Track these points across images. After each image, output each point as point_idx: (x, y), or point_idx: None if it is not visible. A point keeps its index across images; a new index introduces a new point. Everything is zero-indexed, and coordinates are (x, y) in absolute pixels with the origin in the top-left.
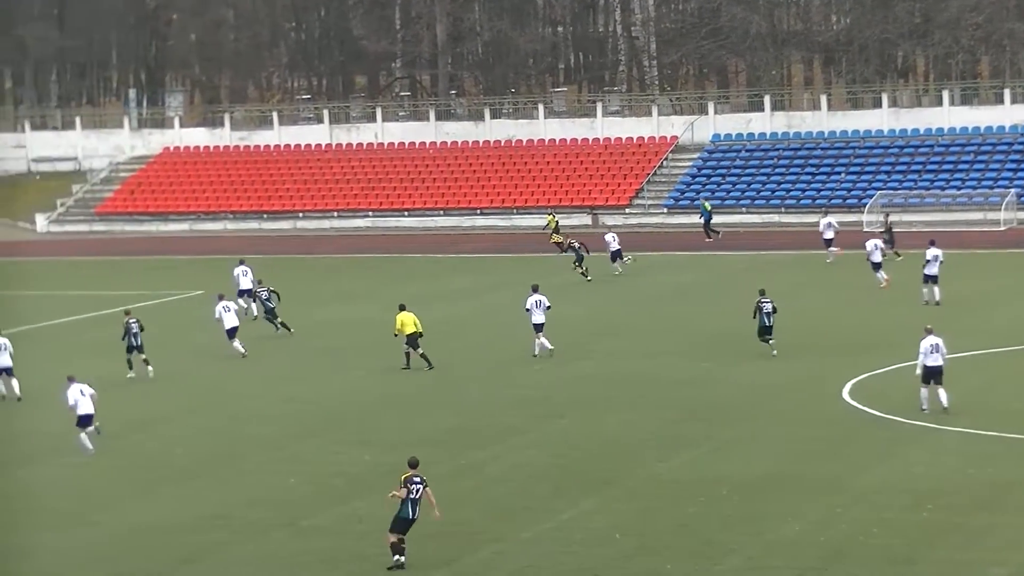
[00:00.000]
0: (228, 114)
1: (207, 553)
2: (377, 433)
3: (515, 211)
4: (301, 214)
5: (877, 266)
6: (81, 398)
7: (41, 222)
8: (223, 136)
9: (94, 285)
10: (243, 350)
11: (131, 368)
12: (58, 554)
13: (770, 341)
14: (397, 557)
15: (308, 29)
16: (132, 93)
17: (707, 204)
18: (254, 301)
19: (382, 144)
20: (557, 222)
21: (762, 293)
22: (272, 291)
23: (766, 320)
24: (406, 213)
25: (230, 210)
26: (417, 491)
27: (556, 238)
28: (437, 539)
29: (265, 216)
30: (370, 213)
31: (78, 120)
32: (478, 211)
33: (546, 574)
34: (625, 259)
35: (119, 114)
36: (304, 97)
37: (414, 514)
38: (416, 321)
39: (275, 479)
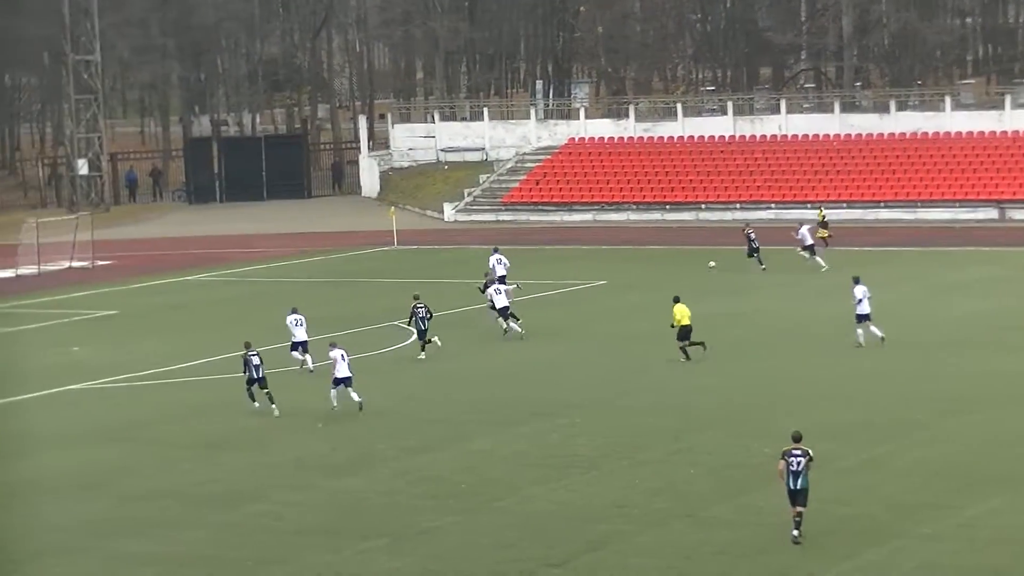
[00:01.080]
0: (632, 105)
1: (608, 541)
2: (777, 425)
3: (919, 204)
4: (703, 205)
5: None
6: (341, 362)
7: (448, 211)
8: (627, 127)
9: None
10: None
11: (422, 350)
12: (464, 535)
13: None
14: (794, 532)
15: (714, 20)
16: (539, 84)
17: None
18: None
19: (785, 136)
20: (824, 216)
21: None
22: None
23: None
24: (808, 205)
25: (633, 201)
26: (798, 463)
27: (822, 233)
28: (838, 534)
29: (668, 207)
30: (772, 205)
31: (486, 111)
32: (881, 204)
33: (947, 572)
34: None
35: (525, 105)
36: (708, 89)
37: (795, 484)
38: (688, 313)
39: (675, 470)
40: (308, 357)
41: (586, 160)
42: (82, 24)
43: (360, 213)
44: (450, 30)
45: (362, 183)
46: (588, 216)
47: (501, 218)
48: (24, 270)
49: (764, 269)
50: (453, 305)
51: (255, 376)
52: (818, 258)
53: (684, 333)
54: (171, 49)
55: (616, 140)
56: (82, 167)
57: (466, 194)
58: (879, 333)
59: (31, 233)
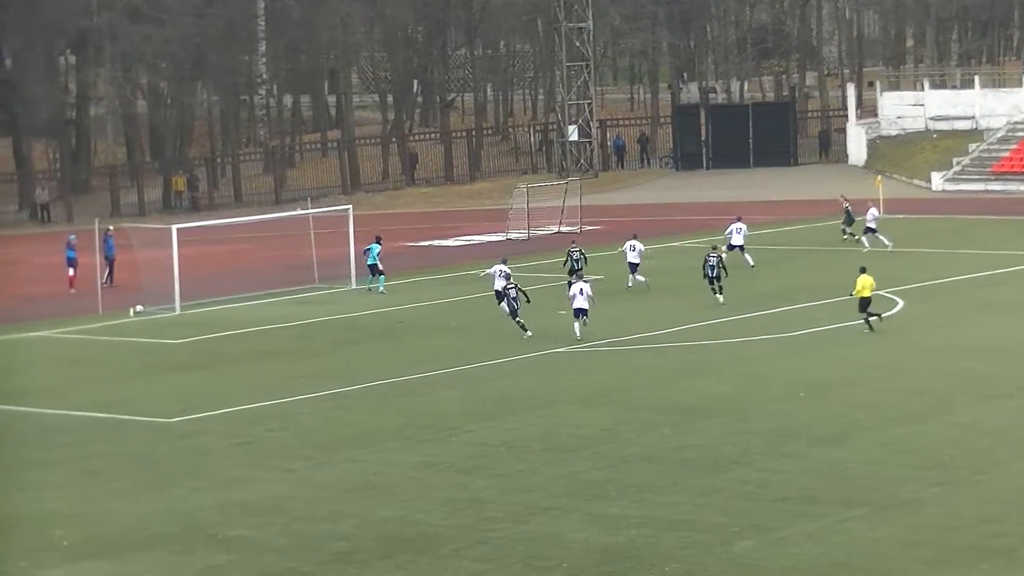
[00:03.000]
0: None
1: None
2: None
3: None
4: None
5: None
6: (580, 296)
7: (936, 180)
8: None
9: (987, 244)
10: None
11: (718, 294)
12: (946, 508)
13: None
14: None
15: None
16: None
17: None
18: None
19: None
20: None
21: None
22: None
23: None
24: None
25: None
26: None
27: None
28: None
29: None
30: None
31: (976, 79)
32: None
33: None
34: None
35: (1018, 73)
36: None
37: None
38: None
39: None
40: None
41: None
42: None
43: (846, 181)
44: None
45: (849, 151)
46: None
47: (990, 188)
48: (514, 234)
49: None
50: (936, 275)
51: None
52: None
53: (864, 304)
54: (661, 17)
55: None
56: (572, 133)
57: (954, 163)
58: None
59: (521, 198)
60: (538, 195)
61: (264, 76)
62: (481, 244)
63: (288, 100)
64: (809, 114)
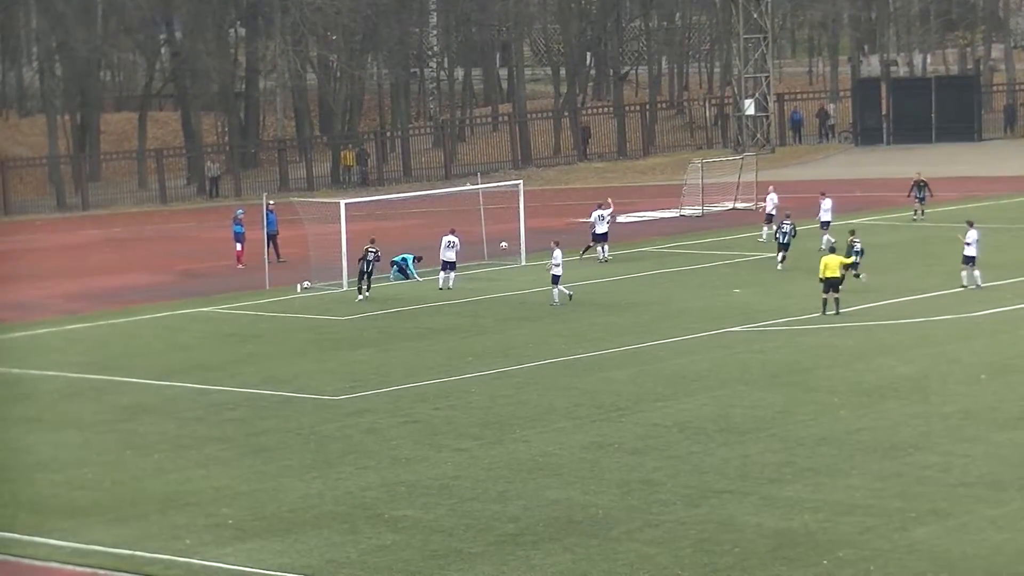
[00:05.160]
0: None
1: None
2: None
3: None
4: None
5: None
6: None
7: None
8: None
9: None
10: None
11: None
12: None
13: None
14: None
15: None
16: None
17: None
18: None
19: None
20: None
21: None
22: None
23: None
24: None
25: None
26: None
27: None
28: None
29: None
30: None
31: None
32: None
33: None
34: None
35: None
36: None
37: None
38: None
39: None
40: None
41: None
42: None
43: None
44: None
45: None
46: None
47: None
48: (688, 210)
49: None
50: None
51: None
52: None
53: (831, 284)
54: None
55: None
56: (749, 107)
57: None
58: None
59: (696, 173)
60: (713, 171)
61: (435, 48)
62: (654, 221)
63: (459, 73)
64: (995, 88)
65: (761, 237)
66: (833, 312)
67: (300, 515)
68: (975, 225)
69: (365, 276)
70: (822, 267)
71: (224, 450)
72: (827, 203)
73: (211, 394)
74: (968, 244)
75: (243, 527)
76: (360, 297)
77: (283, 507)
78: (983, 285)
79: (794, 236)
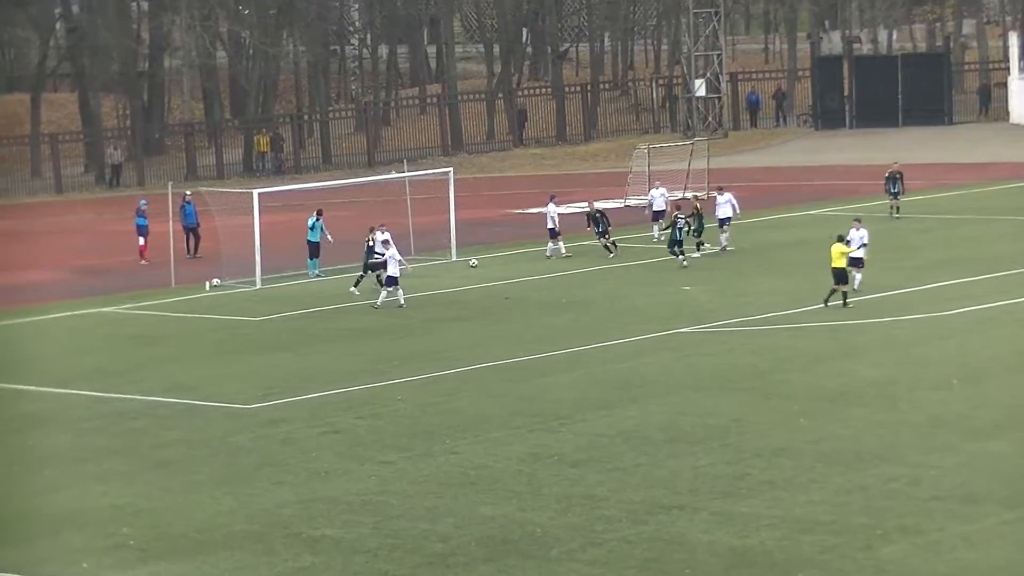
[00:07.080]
0: None
1: None
2: None
3: None
4: None
5: None
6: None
7: None
8: None
9: None
10: None
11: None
12: None
13: None
14: None
15: None
16: None
17: None
18: None
19: None
20: None
21: None
22: None
23: None
24: None
25: None
26: None
27: None
28: None
29: None
30: None
31: None
32: None
33: None
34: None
35: None
36: None
37: None
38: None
39: None
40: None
41: None
42: None
43: (1007, 142)
44: None
45: (1011, 108)
46: None
47: None
48: (633, 200)
49: None
50: None
51: None
52: None
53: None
54: None
55: None
56: (699, 88)
57: None
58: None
59: (642, 160)
60: (661, 157)
61: (357, 24)
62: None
63: (383, 51)
64: (966, 67)
65: (655, 237)
66: (840, 303)
67: (209, 535)
68: (863, 224)
69: (368, 269)
70: (831, 258)
71: (125, 464)
72: (725, 197)
73: (111, 402)
74: (850, 243)
75: (146, 548)
76: (353, 289)
77: (190, 526)
78: (859, 289)
79: (695, 230)
